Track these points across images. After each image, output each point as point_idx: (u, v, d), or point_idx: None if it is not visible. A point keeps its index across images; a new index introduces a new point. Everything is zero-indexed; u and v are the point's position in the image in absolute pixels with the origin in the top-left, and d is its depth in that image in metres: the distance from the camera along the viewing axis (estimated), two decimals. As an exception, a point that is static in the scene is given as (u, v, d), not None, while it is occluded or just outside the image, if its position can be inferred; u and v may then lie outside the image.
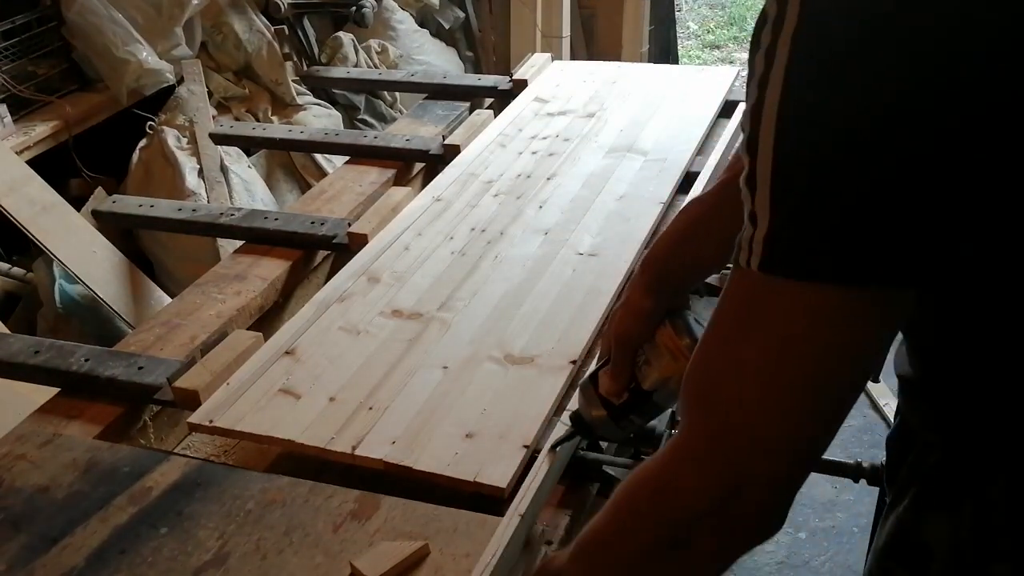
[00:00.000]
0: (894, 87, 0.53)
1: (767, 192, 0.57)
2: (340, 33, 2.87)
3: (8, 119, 2.20)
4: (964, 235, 0.57)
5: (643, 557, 0.70)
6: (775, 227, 0.57)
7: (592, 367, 1.06)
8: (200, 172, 2.34)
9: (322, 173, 2.53)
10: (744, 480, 0.63)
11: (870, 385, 2.35)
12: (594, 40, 3.74)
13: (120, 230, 2.19)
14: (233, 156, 2.44)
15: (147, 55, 2.34)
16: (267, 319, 1.54)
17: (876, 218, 0.55)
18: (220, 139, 2.25)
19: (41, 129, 2.24)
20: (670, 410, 1.10)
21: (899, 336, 0.76)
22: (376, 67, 2.91)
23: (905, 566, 0.82)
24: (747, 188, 0.59)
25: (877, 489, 1.08)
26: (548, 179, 1.78)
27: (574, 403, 1.06)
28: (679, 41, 4.42)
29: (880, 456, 1.08)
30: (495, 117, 2.08)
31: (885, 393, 2.58)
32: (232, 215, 1.72)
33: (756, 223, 0.58)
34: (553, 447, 1.07)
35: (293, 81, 2.69)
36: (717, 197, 0.93)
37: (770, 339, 0.61)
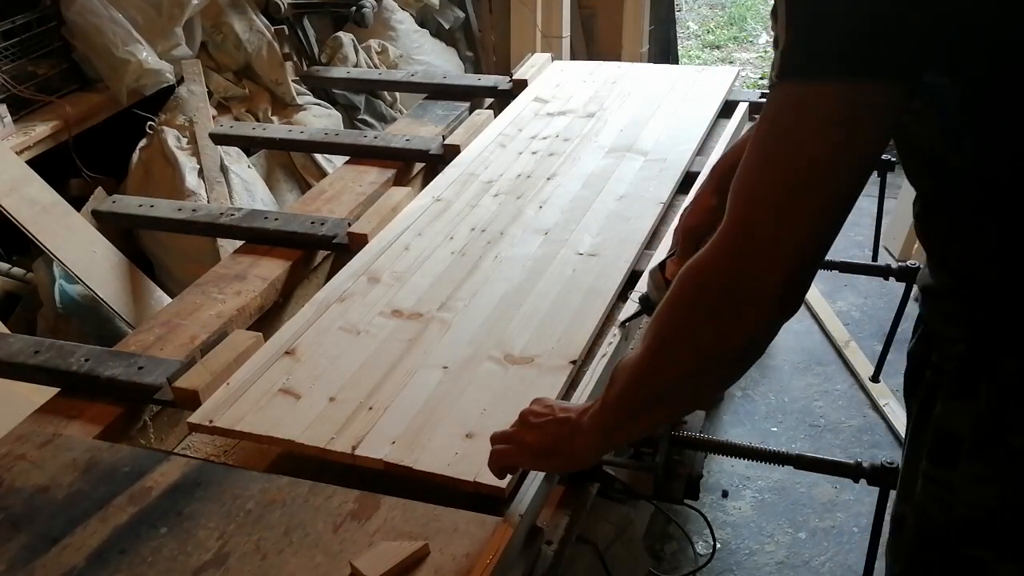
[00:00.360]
0: None
1: (784, 12, 0.70)
2: (340, 33, 2.87)
3: (8, 119, 2.20)
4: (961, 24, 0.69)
5: (690, 332, 0.81)
6: (791, 39, 0.70)
7: (663, 257, 1.22)
8: (200, 172, 2.34)
9: (322, 173, 2.53)
10: (766, 260, 0.75)
11: (870, 385, 2.39)
12: (594, 40, 3.74)
13: (120, 230, 2.19)
14: (233, 156, 2.44)
15: (147, 55, 2.34)
16: (267, 319, 1.54)
17: (879, 12, 0.67)
18: (220, 139, 2.25)
19: (41, 129, 2.24)
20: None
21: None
22: (376, 67, 2.90)
23: (940, 462, 0.94)
24: (772, 18, 0.73)
25: (877, 489, 1.08)
26: (548, 179, 1.78)
27: (642, 287, 1.26)
28: (679, 41, 4.42)
29: (880, 456, 1.08)
30: (495, 117, 2.08)
31: (885, 393, 2.58)
32: (232, 215, 1.72)
33: (778, 44, 0.71)
34: (622, 324, 1.32)
35: (293, 81, 2.69)
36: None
37: (787, 139, 0.72)
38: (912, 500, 1.00)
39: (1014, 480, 0.88)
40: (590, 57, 3.65)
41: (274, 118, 2.64)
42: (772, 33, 0.73)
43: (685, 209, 1.16)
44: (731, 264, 0.77)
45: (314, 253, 1.66)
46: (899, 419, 2.48)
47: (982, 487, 0.90)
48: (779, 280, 0.75)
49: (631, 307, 1.35)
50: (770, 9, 0.74)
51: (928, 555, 0.99)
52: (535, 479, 1.02)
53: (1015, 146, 0.79)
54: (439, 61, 3.26)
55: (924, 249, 0.97)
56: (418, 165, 2.01)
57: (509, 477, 1.05)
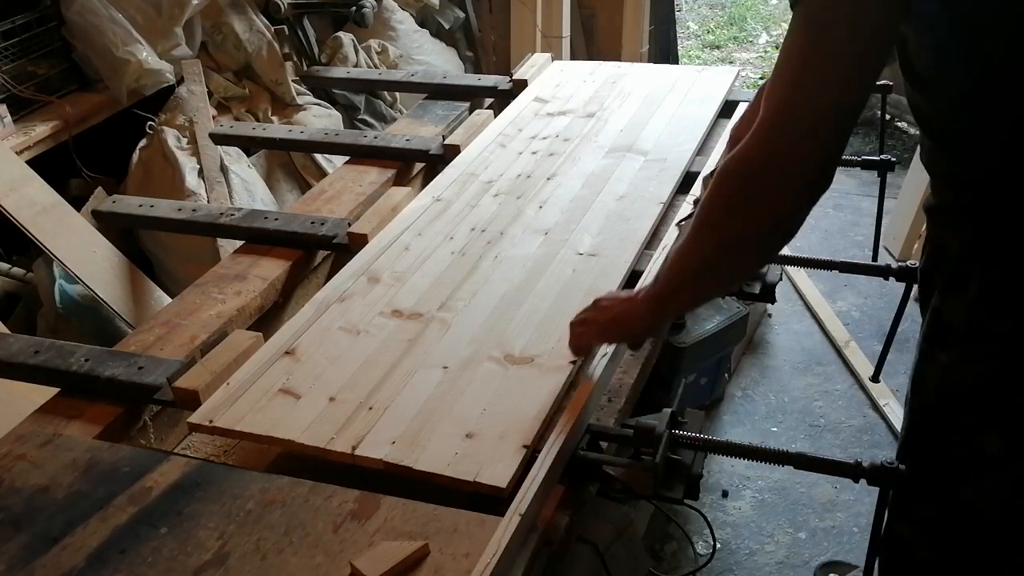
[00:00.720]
0: None
1: None
2: (340, 33, 2.87)
3: (8, 119, 2.20)
4: None
5: (726, 212, 0.99)
6: None
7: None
8: (200, 172, 2.34)
9: (322, 173, 2.53)
10: (781, 138, 0.92)
11: (870, 385, 2.40)
12: (594, 40, 3.74)
13: (120, 230, 2.19)
14: (233, 156, 2.44)
15: (147, 55, 2.34)
16: (267, 319, 1.54)
17: None
18: (220, 139, 2.25)
19: (41, 129, 2.24)
20: (669, 411, 1.10)
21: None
22: (376, 67, 2.90)
23: (935, 342, 1.10)
24: None
25: (877, 489, 1.08)
26: (548, 179, 1.78)
27: (698, 191, 1.62)
28: (679, 41, 4.42)
29: (880, 456, 1.09)
30: (495, 117, 2.08)
31: (885, 393, 2.58)
32: (232, 215, 1.72)
33: None
34: (678, 223, 1.58)
35: (293, 81, 2.69)
36: None
37: (808, 36, 0.90)
38: (914, 379, 1.15)
39: (996, 361, 1.04)
40: (590, 57, 3.65)
41: (274, 118, 2.64)
42: None
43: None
44: (765, 149, 0.93)
45: (314, 253, 1.66)
46: (899, 419, 2.48)
47: (970, 366, 1.06)
48: (809, 157, 0.92)
49: (687, 209, 1.63)
50: None
51: (930, 425, 1.13)
52: (535, 479, 1.02)
53: (997, 67, 0.92)
54: (439, 61, 3.26)
55: (926, 170, 1.11)
56: (418, 165, 2.01)
57: (509, 477, 1.05)
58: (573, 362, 1.26)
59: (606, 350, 1.26)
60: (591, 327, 1.22)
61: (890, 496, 1.10)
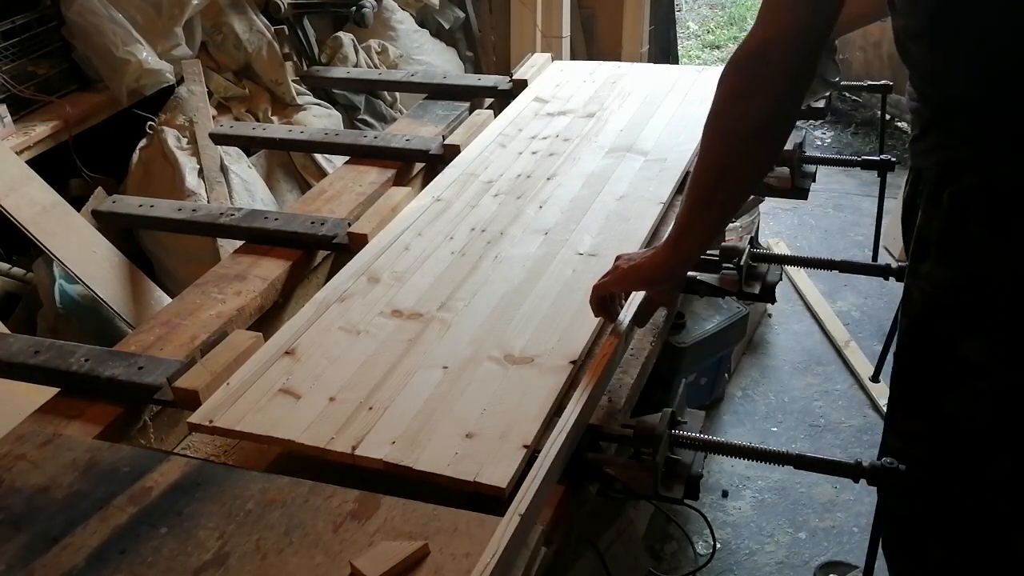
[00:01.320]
0: None
1: None
2: (340, 33, 2.87)
3: (8, 119, 2.20)
4: None
5: (729, 102, 1.09)
6: None
7: None
8: (200, 172, 2.34)
9: (322, 173, 2.53)
10: (781, 31, 1.04)
11: (870, 385, 2.40)
12: (594, 40, 3.74)
13: (120, 230, 2.19)
14: (233, 156, 2.44)
15: (147, 55, 2.34)
16: (267, 319, 1.54)
17: None
18: (220, 139, 2.25)
19: (41, 129, 2.24)
20: (669, 411, 1.10)
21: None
22: (376, 67, 2.90)
23: (918, 258, 1.22)
24: None
25: (877, 489, 1.08)
26: (548, 179, 1.78)
27: None
28: (679, 41, 4.42)
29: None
30: (495, 117, 2.08)
31: (885, 393, 2.58)
32: (232, 215, 1.72)
33: None
34: None
35: (293, 81, 2.69)
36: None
37: None
38: (903, 300, 1.27)
39: (969, 263, 1.14)
40: (590, 57, 3.65)
41: (274, 118, 2.64)
42: None
43: None
44: (758, 35, 1.05)
45: (314, 253, 1.66)
46: (899, 419, 2.48)
47: (947, 271, 1.16)
48: (790, 49, 1.03)
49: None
50: None
51: (915, 336, 1.24)
52: (535, 479, 1.02)
53: None
54: (439, 61, 3.26)
55: (908, 107, 1.23)
56: (418, 165, 2.01)
57: (509, 477, 1.05)
58: (573, 362, 1.26)
59: (606, 350, 1.26)
60: (613, 278, 1.26)
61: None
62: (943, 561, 1.28)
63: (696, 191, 1.16)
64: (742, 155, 1.11)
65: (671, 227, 1.22)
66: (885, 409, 2.53)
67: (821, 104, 1.86)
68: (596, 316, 1.30)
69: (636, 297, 1.36)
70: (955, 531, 1.26)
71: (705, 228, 1.18)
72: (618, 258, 1.29)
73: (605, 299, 1.28)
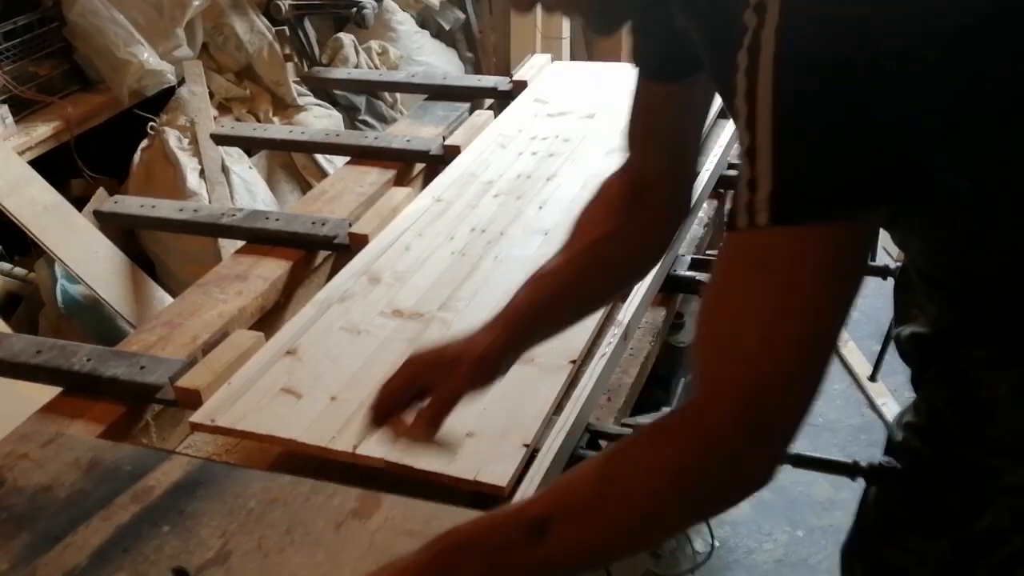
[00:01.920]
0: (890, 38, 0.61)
1: (769, 156, 0.63)
2: (341, 34, 2.87)
3: (10, 120, 2.21)
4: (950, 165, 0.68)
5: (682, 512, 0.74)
6: (782, 183, 0.64)
7: None
8: (201, 173, 2.35)
9: (323, 174, 2.53)
10: (776, 412, 0.68)
11: (869, 385, 2.39)
12: (594, 41, 3.74)
13: (122, 230, 2.20)
14: (234, 156, 2.45)
15: (148, 56, 2.35)
16: (268, 319, 1.55)
17: (880, 156, 0.63)
18: (221, 140, 2.25)
19: (43, 130, 2.25)
20: (669, 411, 1.11)
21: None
22: (377, 68, 2.91)
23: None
24: (747, 160, 0.65)
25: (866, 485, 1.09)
26: (548, 180, 1.79)
27: None
28: (679, 42, 4.42)
29: (877, 455, 1.09)
30: (495, 118, 2.08)
31: (883, 392, 2.59)
32: (233, 215, 1.73)
33: (756, 188, 0.64)
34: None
35: (294, 82, 2.70)
36: (570, 272, 1.05)
37: (783, 283, 0.67)
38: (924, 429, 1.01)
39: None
40: (590, 58, 3.65)
41: (275, 119, 2.64)
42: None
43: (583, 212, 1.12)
44: (739, 432, 0.68)
45: (315, 253, 1.67)
46: (898, 419, 2.49)
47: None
48: (793, 426, 0.70)
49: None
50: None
51: (949, 468, 0.99)
52: (535, 478, 1.03)
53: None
54: (439, 62, 3.27)
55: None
56: (418, 166, 2.01)
57: (509, 476, 1.05)
58: (573, 361, 1.26)
59: (605, 350, 1.26)
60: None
61: (871, 514, 1.06)
62: None
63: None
64: (619, 547, 0.77)
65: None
66: (882, 406, 2.53)
67: None
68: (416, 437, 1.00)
69: (635, 296, 1.36)
70: None
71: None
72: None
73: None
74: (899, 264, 1.51)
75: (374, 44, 2.97)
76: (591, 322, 1.34)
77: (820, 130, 0.63)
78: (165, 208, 1.83)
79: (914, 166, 0.66)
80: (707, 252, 1.58)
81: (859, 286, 0.71)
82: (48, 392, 1.31)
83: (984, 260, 0.82)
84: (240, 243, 1.70)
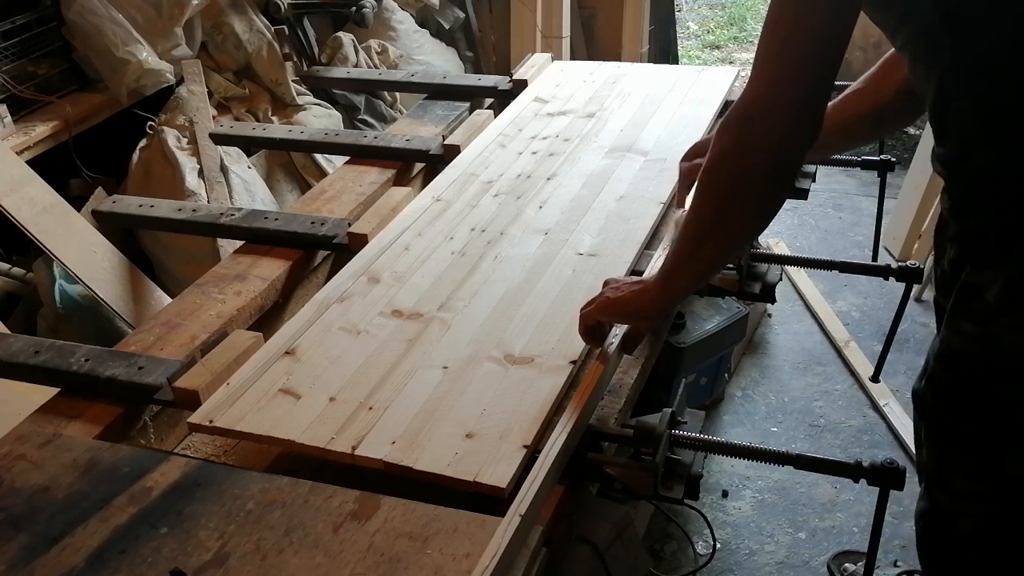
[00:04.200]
0: None
1: None
2: (340, 33, 2.87)
3: (8, 119, 2.20)
4: None
5: (720, 160, 1.05)
6: None
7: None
8: (200, 172, 2.34)
9: (322, 173, 2.53)
10: (788, 96, 0.99)
11: (871, 386, 2.39)
12: (594, 40, 3.75)
13: (120, 230, 2.19)
14: (233, 156, 2.44)
15: (147, 55, 2.35)
16: (267, 319, 1.54)
17: None
18: (220, 139, 2.25)
19: (41, 129, 2.24)
20: (669, 411, 1.10)
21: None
22: (376, 67, 2.91)
23: (970, 316, 1.07)
24: None
25: (877, 489, 1.08)
26: (548, 179, 1.78)
27: None
28: (679, 41, 4.42)
29: (880, 456, 1.09)
30: (495, 117, 2.08)
31: (885, 393, 2.59)
32: (232, 215, 1.72)
33: None
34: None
35: (293, 81, 2.69)
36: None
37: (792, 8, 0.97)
38: (945, 355, 1.11)
39: None
40: (590, 57, 3.66)
41: (274, 118, 2.64)
42: None
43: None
44: (760, 89, 1.00)
45: (314, 253, 1.66)
46: (899, 419, 2.48)
47: (1015, 334, 1.02)
48: (805, 90, 0.98)
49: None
50: None
51: (968, 394, 1.09)
52: (535, 479, 1.02)
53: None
54: (439, 61, 3.26)
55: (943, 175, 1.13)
56: (418, 165, 2.01)
57: (509, 477, 1.05)
58: (573, 362, 1.26)
59: (613, 337, 1.26)
60: (599, 306, 1.23)
61: (924, 463, 1.13)
62: None
63: (683, 242, 1.13)
64: (730, 214, 1.07)
65: (661, 264, 1.20)
66: (884, 406, 2.53)
67: (805, 186, 1.79)
68: (585, 343, 1.26)
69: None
70: None
71: (691, 277, 1.17)
72: (606, 283, 1.27)
73: (593, 326, 1.25)
74: (901, 263, 1.51)
75: (373, 43, 2.96)
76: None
77: None
78: (164, 208, 1.82)
79: None
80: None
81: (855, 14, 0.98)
82: (46, 392, 1.31)
83: (957, 119, 1.04)
84: (239, 243, 1.70)
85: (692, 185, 1.27)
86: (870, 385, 2.62)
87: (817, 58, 0.99)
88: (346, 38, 2.83)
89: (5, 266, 2.32)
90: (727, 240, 1.11)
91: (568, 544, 1.09)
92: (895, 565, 2.10)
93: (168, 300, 2.00)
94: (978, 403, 1.09)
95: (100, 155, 2.44)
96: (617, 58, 3.59)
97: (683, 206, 1.45)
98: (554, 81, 2.26)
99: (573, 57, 3.54)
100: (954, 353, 1.10)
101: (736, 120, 1.03)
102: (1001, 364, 1.04)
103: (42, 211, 2.02)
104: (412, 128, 2.12)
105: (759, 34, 1.03)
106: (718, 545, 2.18)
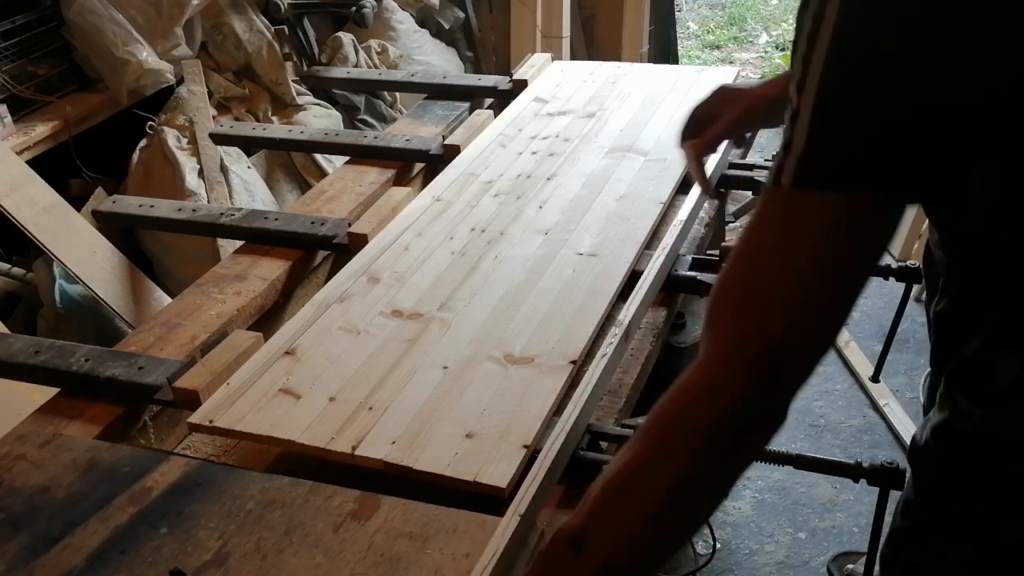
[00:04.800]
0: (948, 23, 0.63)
1: (807, 121, 0.67)
2: (340, 33, 2.87)
3: (8, 119, 2.20)
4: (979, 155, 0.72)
5: (686, 474, 0.74)
6: (812, 146, 0.67)
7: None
8: (200, 172, 2.34)
9: (322, 173, 2.53)
10: (787, 367, 0.74)
11: (870, 385, 2.39)
12: (594, 40, 3.74)
13: (120, 230, 2.19)
14: (233, 156, 2.44)
15: (147, 55, 2.35)
16: (267, 319, 1.54)
17: (913, 134, 0.65)
18: (220, 139, 2.25)
19: (41, 129, 2.24)
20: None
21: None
22: (376, 67, 2.91)
23: (973, 398, 0.95)
24: (790, 123, 0.69)
25: (877, 489, 1.08)
26: (548, 179, 1.78)
27: None
28: (679, 41, 4.42)
29: (880, 456, 1.09)
30: (495, 117, 2.08)
31: (885, 393, 2.58)
32: (232, 215, 1.72)
33: (790, 150, 0.69)
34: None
35: (293, 81, 2.69)
36: None
37: (803, 246, 0.70)
38: (943, 434, 1.00)
39: None
40: (590, 57, 3.65)
41: (274, 118, 2.64)
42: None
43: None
44: (752, 383, 0.74)
45: (314, 253, 1.66)
46: (899, 419, 2.48)
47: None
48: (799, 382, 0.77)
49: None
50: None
51: (965, 473, 0.99)
52: (535, 479, 1.02)
53: None
54: (439, 61, 3.26)
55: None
56: (418, 165, 2.01)
57: (509, 477, 1.05)
58: (573, 362, 1.26)
59: (606, 350, 1.26)
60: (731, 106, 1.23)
61: (898, 520, 1.05)
62: None
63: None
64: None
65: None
66: (884, 406, 2.53)
67: None
68: (691, 163, 1.27)
69: (636, 296, 1.36)
70: None
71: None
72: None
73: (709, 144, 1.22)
74: (901, 263, 1.51)
75: (373, 43, 2.96)
76: (591, 322, 1.34)
77: (858, 104, 0.66)
78: (164, 208, 1.82)
79: (939, 144, 0.67)
80: (708, 252, 1.58)
81: (875, 259, 0.73)
82: (46, 392, 1.31)
83: (988, 252, 0.87)
84: (239, 243, 1.70)
85: (702, 164, 1.26)
86: (870, 385, 2.61)
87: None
88: (346, 38, 2.83)
89: (5, 266, 2.32)
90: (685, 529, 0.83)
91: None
92: (895, 565, 2.09)
93: (168, 300, 2.00)
94: (976, 478, 0.98)
95: (100, 155, 2.44)
96: (617, 58, 3.59)
97: (704, 185, 1.39)
98: (554, 81, 2.26)
99: (573, 57, 3.54)
100: (954, 432, 0.99)
101: (719, 414, 0.76)
102: (1011, 445, 0.94)
103: (42, 211, 2.02)
104: (412, 128, 2.12)
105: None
106: (718, 545, 2.17)
